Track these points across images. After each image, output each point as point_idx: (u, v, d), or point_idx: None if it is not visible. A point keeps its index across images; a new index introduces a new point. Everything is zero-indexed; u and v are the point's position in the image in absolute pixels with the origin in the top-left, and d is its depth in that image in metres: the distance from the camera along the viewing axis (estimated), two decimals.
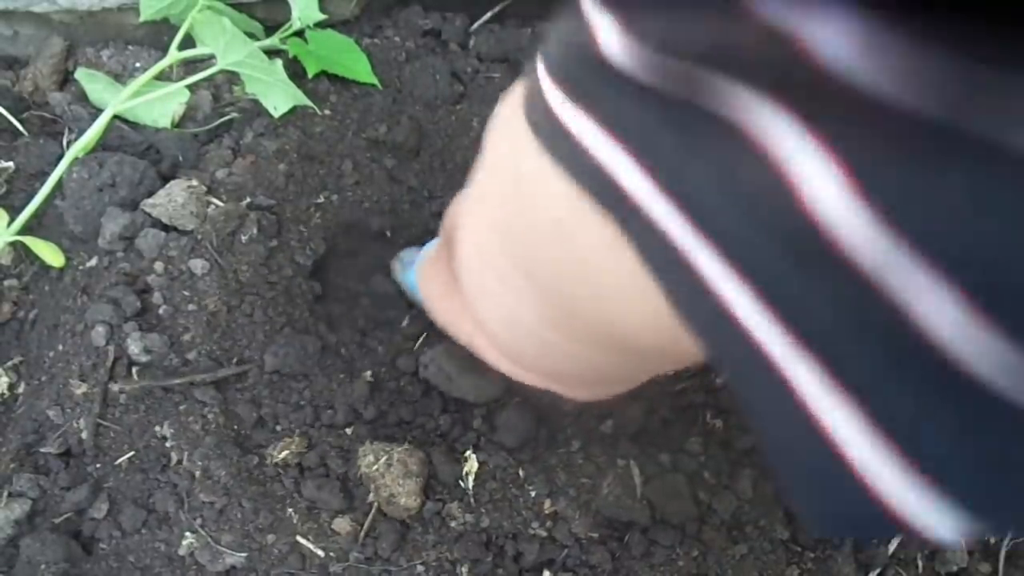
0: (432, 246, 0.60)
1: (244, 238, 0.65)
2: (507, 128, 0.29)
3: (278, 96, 0.70)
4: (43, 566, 0.54)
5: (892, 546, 0.64)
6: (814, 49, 0.16)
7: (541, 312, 0.31)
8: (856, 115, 0.16)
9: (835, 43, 0.15)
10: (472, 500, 0.60)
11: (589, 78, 0.23)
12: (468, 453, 0.61)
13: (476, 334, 0.44)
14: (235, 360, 0.63)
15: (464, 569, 0.58)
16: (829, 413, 0.19)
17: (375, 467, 0.58)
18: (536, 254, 0.29)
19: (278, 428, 0.61)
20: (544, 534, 0.60)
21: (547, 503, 0.61)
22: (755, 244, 0.19)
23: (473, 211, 0.35)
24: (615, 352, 0.32)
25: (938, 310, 0.16)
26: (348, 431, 0.62)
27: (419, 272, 0.59)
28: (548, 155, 0.25)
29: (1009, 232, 0.15)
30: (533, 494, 0.61)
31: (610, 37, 0.21)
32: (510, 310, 0.33)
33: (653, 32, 0.20)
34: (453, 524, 0.59)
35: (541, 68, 0.26)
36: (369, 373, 0.65)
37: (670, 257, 0.21)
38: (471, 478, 0.60)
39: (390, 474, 0.58)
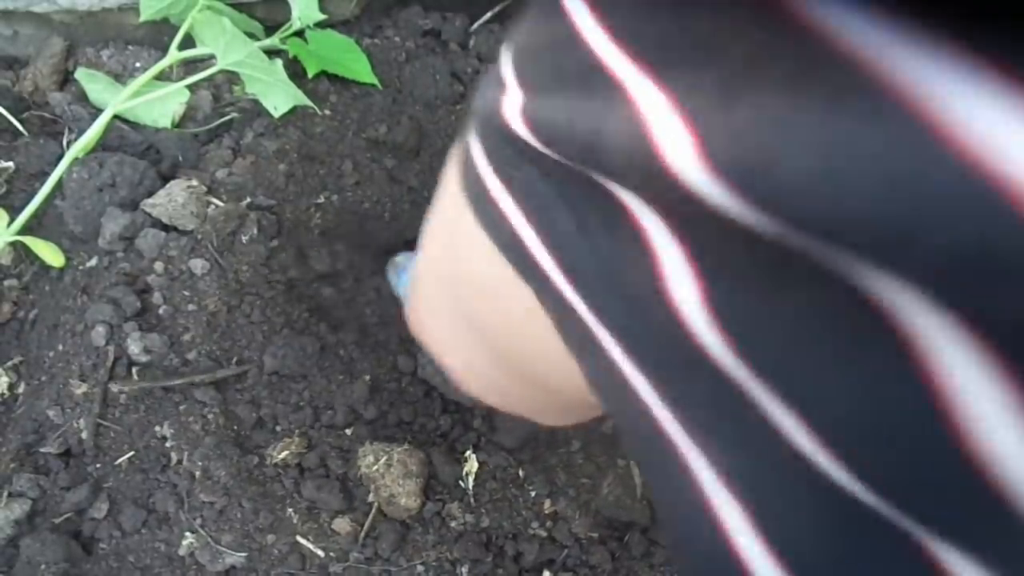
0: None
1: (244, 238, 0.66)
2: (451, 178, 0.29)
3: (278, 96, 0.70)
4: (43, 566, 0.54)
5: None
6: (666, 155, 0.15)
7: (488, 358, 0.31)
8: (709, 228, 0.16)
9: (685, 153, 0.15)
10: (472, 500, 0.60)
11: (501, 146, 0.23)
12: (468, 453, 0.61)
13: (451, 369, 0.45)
14: (235, 360, 0.63)
15: (464, 569, 0.58)
16: (717, 497, 0.18)
17: (375, 467, 0.58)
18: (472, 306, 0.29)
19: (278, 429, 0.61)
20: (544, 534, 0.60)
21: (547, 503, 0.61)
22: (640, 335, 0.19)
23: (424, 251, 0.36)
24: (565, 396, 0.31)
25: (792, 431, 0.16)
26: (348, 432, 0.62)
27: (410, 284, 0.59)
28: (476, 217, 0.25)
29: (836, 368, 0.15)
30: (533, 494, 0.61)
31: (514, 112, 0.21)
32: (462, 353, 0.33)
33: (543, 122, 0.20)
34: (453, 524, 0.59)
35: (472, 129, 0.26)
36: (368, 375, 0.65)
37: (578, 329, 0.21)
38: (471, 478, 0.60)
39: (390, 474, 0.58)
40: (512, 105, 0.22)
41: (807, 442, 0.16)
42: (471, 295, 0.29)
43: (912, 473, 0.14)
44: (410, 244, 0.73)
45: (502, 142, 0.23)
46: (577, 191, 0.20)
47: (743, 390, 0.17)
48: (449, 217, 0.29)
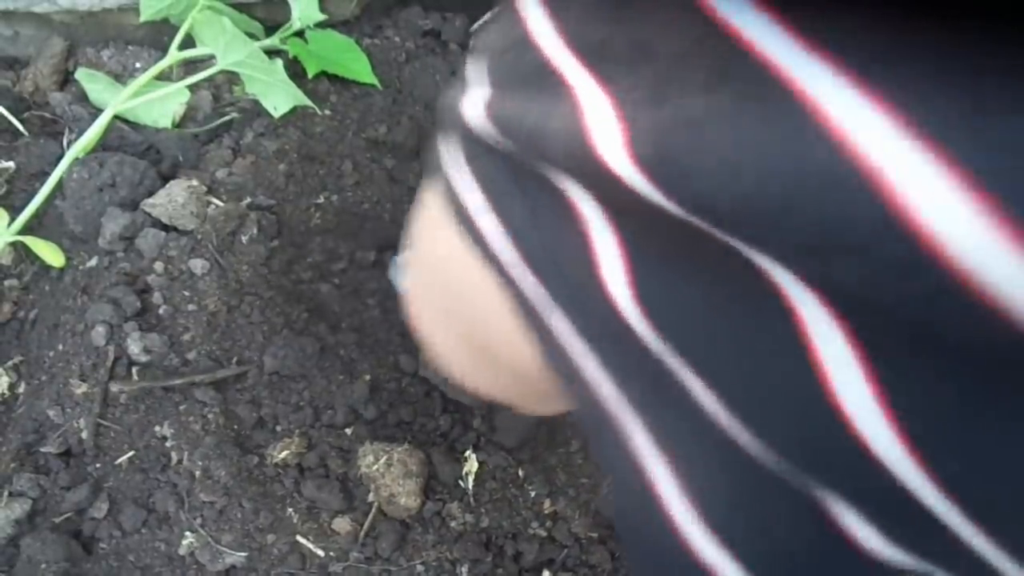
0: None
1: (244, 238, 0.66)
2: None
3: (278, 96, 0.70)
4: (43, 565, 0.54)
5: None
6: (598, 147, 0.17)
7: (468, 348, 0.31)
8: (635, 214, 0.18)
9: (615, 146, 0.16)
10: (472, 500, 0.60)
11: (465, 140, 0.24)
12: (468, 453, 0.61)
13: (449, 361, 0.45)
14: (235, 360, 0.63)
15: (464, 569, 0.58)
16: (655, 471, 0.20)
17: (375, 467, 0.58)
18: (450, 297, 0.30)
19: (278, 428, 0.61)
20: (544, 534, 0.60)
21: (547, 503, 0.61)
22: (584, 315, 0.21)
23: (410, 246, 0.36)
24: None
25: (704, 399, 0.18)
26: (348, 431, 0.62)
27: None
28: (445, 209, 0.26)
29: (738, 339, 0.17)
30: (533, 494, 0.61)
31: (477, 109, 0.23)
32: (446, 343, 0.34)
33: (501, 116, 0.21)
34: (453, 524, 0.59)
35: (441, 126, 0.27)
36: (368, 375, 0.65)
37: (533, 313, 0.23)
38: (471, 478, 0.60)
39: (390, 474, 0.58)
40: (474, 101, 0.23)
41: (717, 408, 0.18)
42: (448, 285, 0.29)
43: (800, 431, 0.16)
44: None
45: (466, 137, 0.24)
46: (529, 182, 0.21)
47: (665, 363, 0.19)
48: (427, 212, 0.30)
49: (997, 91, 0.11)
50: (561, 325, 0.22)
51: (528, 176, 0.21)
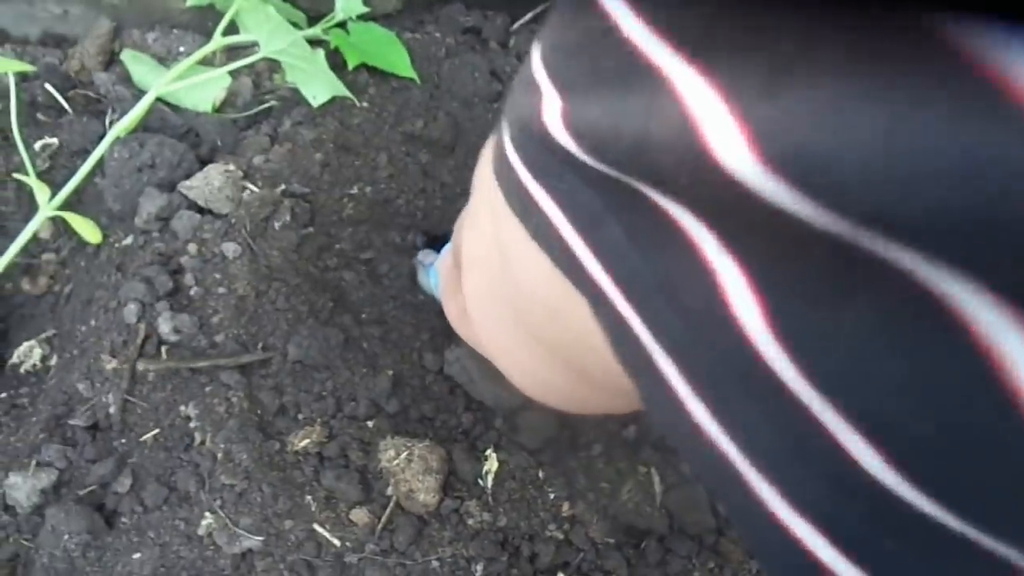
0: (447, 254, 0.60)
1: (277, 224, 0.66)
2: (487, 182, 0.28)
3: (318, 86, 0.70)
4: (66, 536, 0.55)
5: None
6: (716, 150, 0.15)
7: (554, 368, 0.29)
8: (764, 234, 0.15)
9: (736, 147, 0.14)
10: (491, 499, 0.60)
11: (541, 154, 0.22)
12: (488, 452, 0.61)
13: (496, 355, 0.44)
14: (260, 346, 0.64)
15: (479, 567, 0.58)
16: (793, 524, 0.18)
17: (395, 462, 0.58)
18: (533, 320, 0.27)
19: (300, 417, 0.62)
20: (561, 536, 0.60)
21: (565, 506, 0.61)
22: (697, 353, 0.18)
23: (472, 263, 0.34)
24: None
25: (860, 452, 0.15)
26: (369, 424, 0.62)
27: (441, 284, 0.58)
28: (522, 226, 0.24)
29: (905, 378, 0.14)
30: (551, 496, 0.61)
31: (554, 119, 0.20)
32: (513, 354, 0.32)
33: (586, 127, 0.19)
34: (470, 522, 0.59)
35: (506, 137, 0.24)
36: (391, 369, 0.65)
37: (632, 345, 0.20)
38: (491, 477, 0.60)
39: (410, 469, 0.58)
40: (551, 111, 0.20)
41: (876, 462, 0.15)
42: (531, 308, 0.27)
43: (991, 481, 0.14)
44: (436, 239, 0.73)
45: (542, 150, 0.21)
46: (624, 201, 0.19)
47: (808, 410, 0.16)
48: (496, 230, 0.28)
49: (789, 62, 0.13)
50: (662, 359, 0.19)
51: (621, 193, 0.19)
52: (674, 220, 0.17)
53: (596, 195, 0.20)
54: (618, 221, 0.19)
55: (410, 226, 0.72)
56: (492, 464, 0.60)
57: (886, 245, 0.13)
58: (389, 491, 0.59)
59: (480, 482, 0.60)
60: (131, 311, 0.61)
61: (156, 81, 0.69)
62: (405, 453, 0.58)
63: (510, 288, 0.28)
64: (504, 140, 0.25)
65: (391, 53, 0.74)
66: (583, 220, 0.21)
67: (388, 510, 0.58)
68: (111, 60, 0.76)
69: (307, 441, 0.60)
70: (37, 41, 0.75)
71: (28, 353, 0.65)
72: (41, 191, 0.64)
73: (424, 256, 0.69)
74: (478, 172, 0.32)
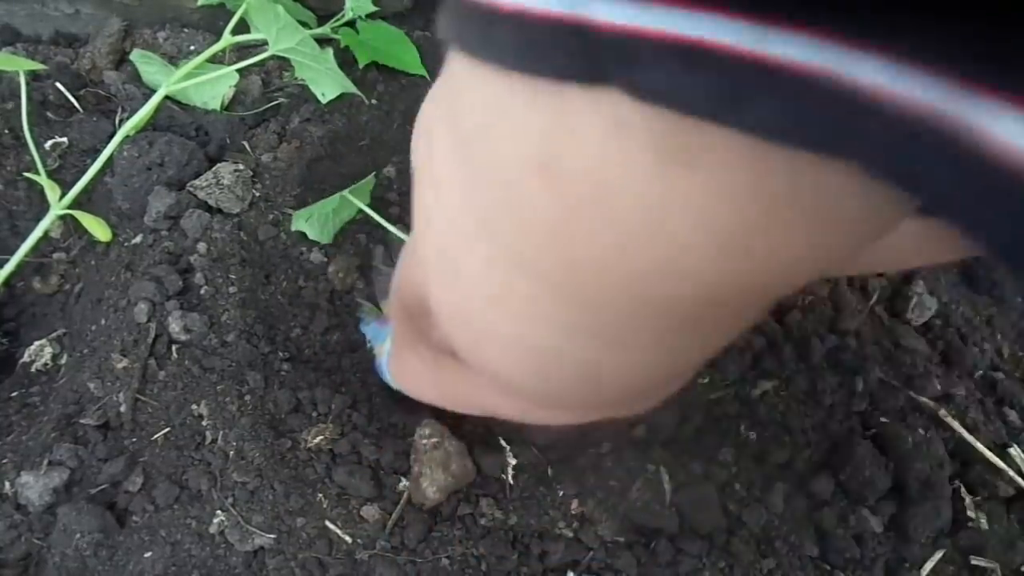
0: (389, 341, 0.54)
1: None
2: (427, 120, 0.25)
3: (326, 83, 0.70)
4: (78, 535, 0.55)
5: (925, 569, 0.62)
6: None
7: (553, 313, 0.24)
8: None
9: None
10: (506, 496, 0.60)
11: None
12: (505, 447, 0.61)
13: (492, 397, 0.39)
14: (271, 344, 0.64)
15: (488, 565, 0.58)
16: None
17: (425, 441, 0.57)
18: (522, 227, 0.22)
19: (313, 414, 0.62)
20: (570, 535, 0.59)
21: (575, 504, 0.61)
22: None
23: (418, 215, 0.30)
24: (660, 333, 0.25)
25: None
26: (381, 421, 0.62)
27: (394, 373, 0.54)
28: (481, 61, 0.19)
29: None
30: (561, 493, 0.61)
31: None
32: (517, 333, 0.27)
33: None
34: (481, 520, 0.59)
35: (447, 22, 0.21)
36: None
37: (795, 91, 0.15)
38: (510, 471, 0.60)
39: (430, 457, 0.58)
40: None
41: None
42: (518, 211, 0.21)
43: None
44: None
45: None
46: None
47: None
48: (452, 139, 0.23)
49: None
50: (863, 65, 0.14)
51: None
52: None
53: None
54: None
55: None
56: (510, 460, 0.60)
57: None
58: (400, 488, 0.59)
59: (492, 479, 0.60)
60: (141, 310, 0.62)
61: (166, 80, 0.69)
62: (436, 439, 0.58)
63: (496, 194, 0.22)
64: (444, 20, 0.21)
65: (401, 50, 0.74)
66: None
67: (399, 507, 0.58)
68: (122, 59, 0.76)
69: (320, 439, 0.60)
70: (48, 40, 0.76)
71: (39, 352, 0.65)
72: (52, 190, 0.64)
73: (369, 329, 0.65)
74: (416, 143, 0.28)
